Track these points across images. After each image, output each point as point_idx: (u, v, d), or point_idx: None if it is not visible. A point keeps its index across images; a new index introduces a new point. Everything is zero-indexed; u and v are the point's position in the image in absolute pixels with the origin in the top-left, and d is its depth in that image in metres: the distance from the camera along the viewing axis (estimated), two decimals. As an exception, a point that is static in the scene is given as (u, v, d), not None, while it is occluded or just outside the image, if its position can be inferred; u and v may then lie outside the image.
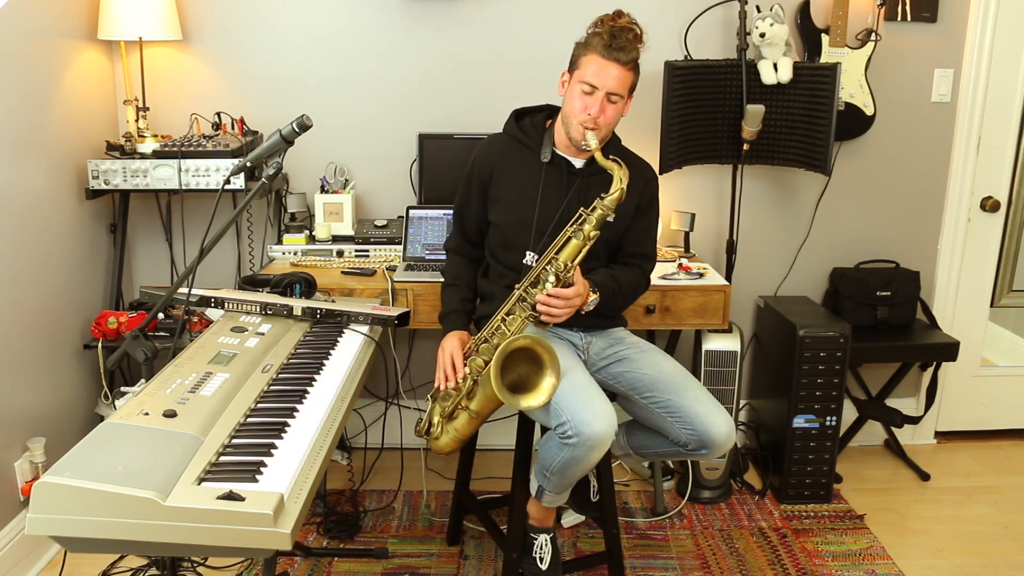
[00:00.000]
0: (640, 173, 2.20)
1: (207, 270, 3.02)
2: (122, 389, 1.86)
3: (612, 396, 2.15)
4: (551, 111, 2.24)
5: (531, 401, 1.88)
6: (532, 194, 2.15)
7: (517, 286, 2.04)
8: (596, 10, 2.92)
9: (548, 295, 1.96)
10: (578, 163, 2.17)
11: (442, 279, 2.33)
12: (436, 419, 2.13)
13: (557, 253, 2.00)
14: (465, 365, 2.06)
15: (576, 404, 1.88)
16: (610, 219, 2.07)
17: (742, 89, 2.77)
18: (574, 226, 2.01)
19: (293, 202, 2.87)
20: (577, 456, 1.89)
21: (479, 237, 2.28)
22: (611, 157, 2.02)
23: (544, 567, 2.16)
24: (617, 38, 2.01)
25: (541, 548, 2.18)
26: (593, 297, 2.06)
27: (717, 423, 1.99)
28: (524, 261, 2.15)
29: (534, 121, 2.22)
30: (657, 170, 2.75)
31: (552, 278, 1.97)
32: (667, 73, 2.71)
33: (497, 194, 2.19)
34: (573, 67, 2.09)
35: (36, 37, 2.46)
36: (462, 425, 2.09)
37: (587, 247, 1.99)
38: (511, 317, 2.02)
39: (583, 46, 2.07)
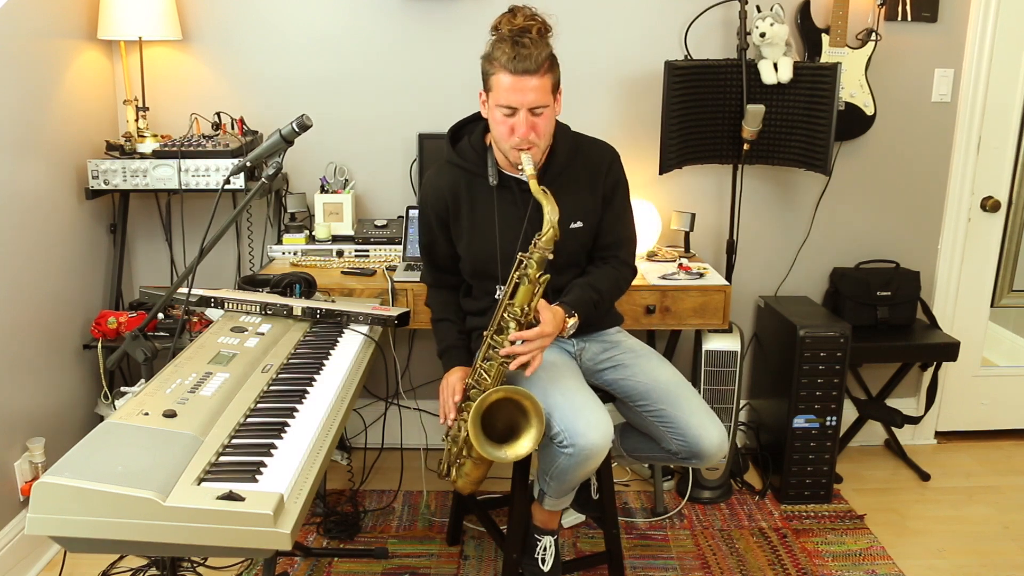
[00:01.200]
0: (599, 159, 2.09)
1: (207, 270, 3.02)
2: (122, 389, 1.86)
3: (609, 397, 2.15)
4: (485, 130, 2.08)
5: (517, 451, 1.86)
6: (490, 223, 2.05)
7: (485, 332, 1.97)
8: (595, 10, 2.93)
9: (511, 342, 1.88)
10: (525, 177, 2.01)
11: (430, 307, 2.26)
12: (451, 463, 2.13)
13: (511, 299, 1.91)
14: (462, 409, 2.00)
15: (569, 415, 1.86)
16: (577, 224, 2.01)
17: (742, 89, 2.77)
18: (518, 271, 1.90)
19: (293, 202, 2.87)
20: (574, 464, 1.88)
21: (454, 265, 2.19)
22: (542, 188, 1.88)
23: (546, 568, 2.15)
24: (520, 45, 1.83)
25: (544, 550, 2.16)
26: (572, 321, 1.97)
27: (708, 435, 1.96)
28: (496, 296, 2.10)
29: (472, 141, 2.08)
30: (657, 170, 2.77)
31: (513, 324, 1.90)
32: (667, 73, 2.71)
33: (458, 229, 2.10)
34: (486, 86, 1.94)
35: (36, 37, 2.46)
36: (471, 470, 2.08)
37: (539, 288, 1.89)
38: (488, 364, 1.95)
39: (489, 61, 1.90)
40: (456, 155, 2.09)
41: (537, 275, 1.88)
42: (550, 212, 1.86)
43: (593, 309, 2.05)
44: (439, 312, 2.22)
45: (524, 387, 1.90)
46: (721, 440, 1.97)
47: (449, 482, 2.17)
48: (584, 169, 2.06)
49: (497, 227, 2.05)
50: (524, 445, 1.86)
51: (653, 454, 2.13)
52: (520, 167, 1.91)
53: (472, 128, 2.13)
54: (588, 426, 1.83)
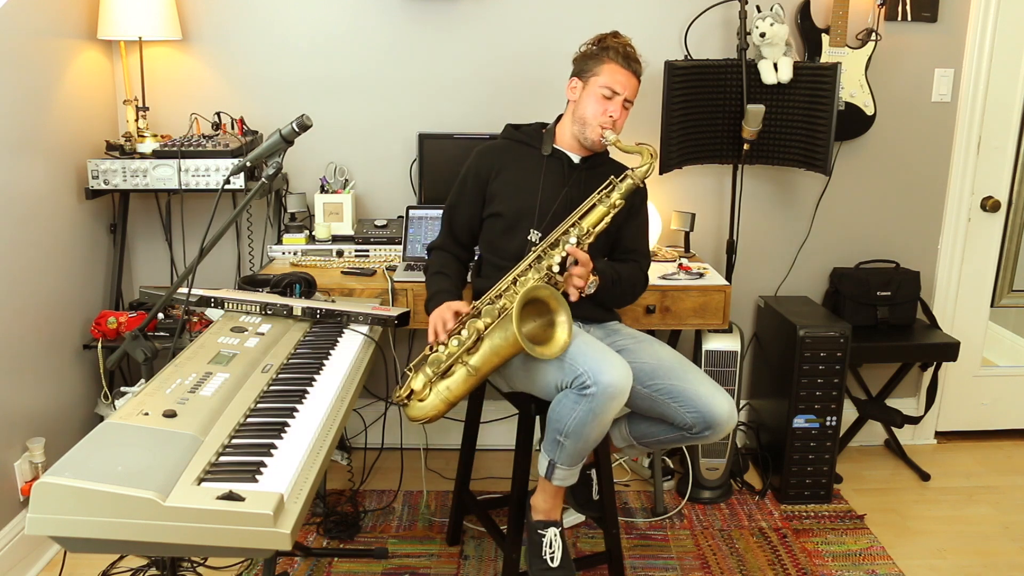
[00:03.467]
0: None
1: (207, 270, 3.02)
2: (122, 389, 1.86)
3: None
4: (542, 127, 2.35)
5: (547, 351, 1.93)
6: (534, 182, 2.23)
7: (537, 244, 2.10)
8: (595, 10, 2.94)
9: (569, 253, 2.04)
10: (576, 158, 2.27)
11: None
12: (421, 382, 2.05)
13: (582, 218, 2.09)
14: (463, 328, 2.04)
15: (592, 357, 1.91)
16: (648, 176, 2.17)
17: (742, 89, 2.77)
18: (602, 193, 2.10)
19: (293, 202, 2.87)
20: (595, 408, 1.88)
21: (468, 238, 2.34)
22: (638, 143, 2.14)
23: (555, 565, 2.05)
24: (630, 53, 2.20)
25: (551, 545, 2.07)
26: (593, 279, 2.10)
27: (719, 402, 2.02)
28: (528, 238, 2.20)
29: (531, 126, 2.34)
30: (657, 170, 2.77)
31: (573, 239, 2.06)
32: (667, 73, 2.71)
33: (496, 189, 2.26)
34: (587, 74, 2.21)
35: (36, 37, 2.46)
36: (457, 383, 2.02)
37: (610, 216, 2.08)
38: (524, 278, 2.06)
39: (596, 58, 2.20)
40: (516, 131, 2.34)
41: (617, 200, 2.09)
42: (652, 152, 2.12)
43: (611, 286, 2.18)
44: (438, 267, 2.31)
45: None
46: (731, 408, 2.04)
47: (409, 404, 2.07)
48: (616, 175, 2.21)
49: (542, 184, 2.22)
50: (555, 347, 1.94)
51: (664, 436, 2.14)
52: (603, 140, 2.18)
53: (531, 125, 2.36)
54: (611, 365, 1.89)
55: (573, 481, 2.07)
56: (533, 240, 2.19)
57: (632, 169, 2.11)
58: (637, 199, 2.27)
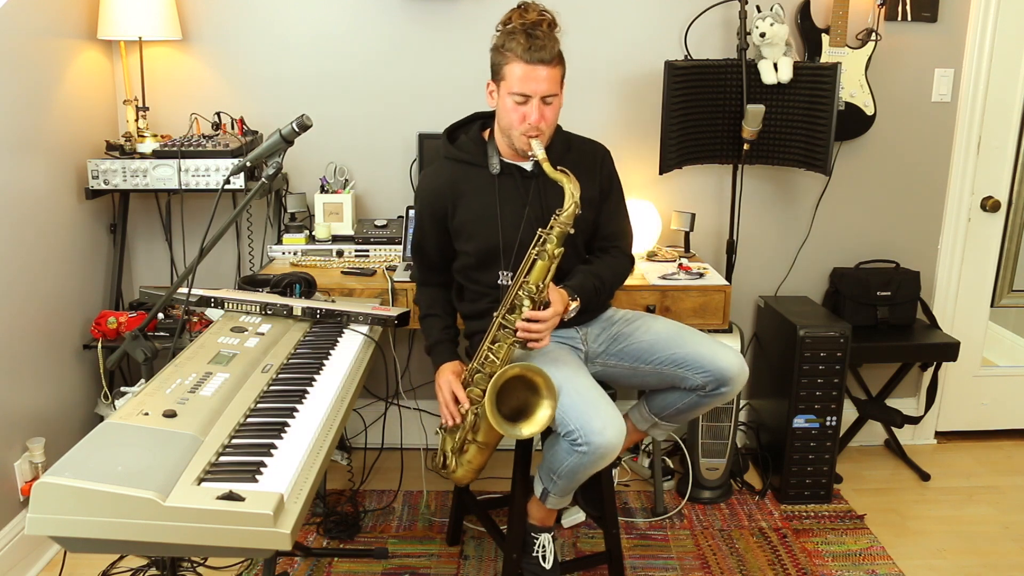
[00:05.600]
0: (592, 154, 2.17)
1: (207, 270, 3.02)
2: (122, 389, 1.86)
3: (613, 396, 2.15)
4: (483, 119, 2.18)
5: (531, 429, 1.86)
6: (492, 211, 2.09)
7: (495, 314, 2.00)
8: (595, 10, 2.93)
9: (527, 319, 1.93)
10: (528, 166, 2.10)
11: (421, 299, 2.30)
12: (449, 453, 2.15)
13: (526, 276, 1.96)
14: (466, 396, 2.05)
15: (585, 413, 1.86)
16: (578, 213, 2.06)
17: (742, 89, 2.77)
18: (537, 247, 1.97)
19: (293, 202, 2.87)
20: (586, 463, 1.88)
21: (444, 263, 2.22)
22: (559, 168, 1.96)
23: (548, 566, 2.15)
24: (534, 37, 1.93)
25: (543, 547, 2.17)
26: (574, 305, 2.03)
27: (725, 356, 2.01)
28: (499, 282, 2.12)
29: (470, 136, 2.15)
30: (657, 170, 2.78)
31: (527, 302, 1.94)
32: (667, 73, 2.71)
33: (458, 225, 2.12)
34: (497, 76, 2.02)
35: (36, 37, 2.46)
36: (473, 456, 2.11)
37: (554, 265, 1.96)
38: (496, 345, 1.99)
39: (501, 52, 1.98)
40: (456, 149, 2.14)
41: (555, 251, 1.95)
42: (572, 188, 1.94)
43: (594, 295, 2.11)
44: (426, 308, 2.26)
45: None
46: (740, 361, 2.02)
47: (446, 474, 2.20)
48: (579, 162, 2.10)
49: (499, 214, 2.09)
50: (540, 418, 1.86)
51: (682, 403, 2.11)
52: (530, 153, 1.98)
53: (468, 127, 2.20)
54: (604, 425, 1.84)
55: (566, 505, 2.14)
56: (504, 283, 2.10)
57: (557, 214, 1.94)
58: (604, 180, 2.16)
